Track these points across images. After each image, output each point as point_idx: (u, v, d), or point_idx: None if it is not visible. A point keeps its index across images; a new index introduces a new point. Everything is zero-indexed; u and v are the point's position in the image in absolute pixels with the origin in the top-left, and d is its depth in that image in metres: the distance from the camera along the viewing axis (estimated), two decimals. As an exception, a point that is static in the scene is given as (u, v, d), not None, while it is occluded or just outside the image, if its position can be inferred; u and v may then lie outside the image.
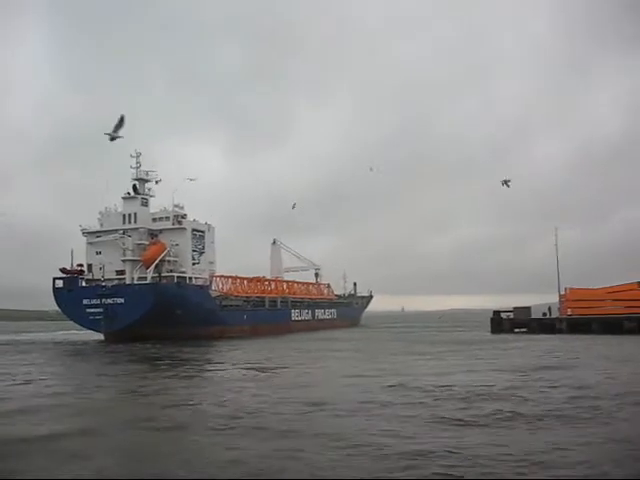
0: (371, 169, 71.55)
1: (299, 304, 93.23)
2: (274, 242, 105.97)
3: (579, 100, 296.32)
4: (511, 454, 12.32)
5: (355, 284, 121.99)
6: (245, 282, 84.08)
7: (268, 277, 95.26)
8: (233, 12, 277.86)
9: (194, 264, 69.97)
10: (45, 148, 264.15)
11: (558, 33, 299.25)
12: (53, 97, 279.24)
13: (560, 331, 62.64)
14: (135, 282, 64.83)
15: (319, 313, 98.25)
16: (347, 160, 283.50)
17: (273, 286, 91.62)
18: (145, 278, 64.37)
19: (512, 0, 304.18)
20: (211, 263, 75.59)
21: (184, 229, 69.14)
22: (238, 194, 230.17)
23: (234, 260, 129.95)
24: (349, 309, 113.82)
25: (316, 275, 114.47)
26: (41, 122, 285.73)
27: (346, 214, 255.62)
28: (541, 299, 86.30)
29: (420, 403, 18.95)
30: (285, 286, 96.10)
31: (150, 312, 59.93)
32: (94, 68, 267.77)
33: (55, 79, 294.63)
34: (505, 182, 68.63)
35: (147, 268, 65.09)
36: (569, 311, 67.47)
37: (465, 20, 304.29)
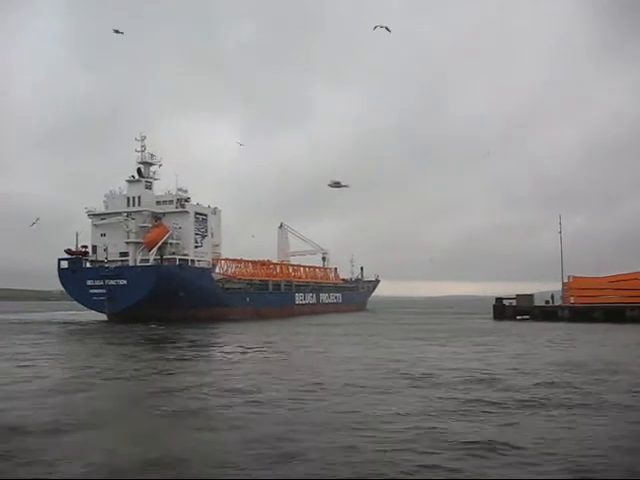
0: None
1: (303, 288, 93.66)
2: (281, 226, 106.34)
3: (595, 86, 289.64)
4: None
5: (362, 269, 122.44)
6: (250, 265, 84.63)
7: (275, 260, 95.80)
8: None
9: (196, 247, 70.59)
10: (54, 128, 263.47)
11: (578, 17, 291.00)
12: (64, 75, 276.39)
13: (562, 319, 62.57)
14: (138, 264, 65.53)
15: (324, 297, 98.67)
16: (360, 144, 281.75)
17: (278, 270, 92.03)
18: (147, 260, 65.20)
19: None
20: (216, 246, 76.28)
21: (187, 212, 69.73)
22: (250, 176, 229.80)
23: (243, 243, 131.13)
24: (355, 294, 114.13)
25: (323, 259, 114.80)
26: (51, 101, 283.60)
27: (356, 199, 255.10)
28: (545, 287, 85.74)
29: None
30: (290, 270, 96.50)
31: (152, 293, 60.77)
32: (107, 46, 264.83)
33: (67, 57, 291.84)
34: None
35: (149, 250, 65.85)
36: (572, 299, 67.39)
37: (485, 2, 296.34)
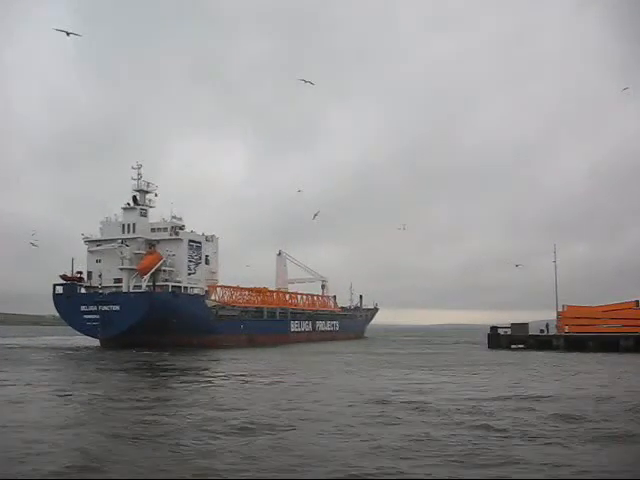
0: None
1: (299, 315, 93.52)
2: (279, 253, 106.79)
3: (612, 111, 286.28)
4: None
5: (361, 297, 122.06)
6: (246, 293, 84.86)
7: (273, 288, 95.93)
8: (262, 6, 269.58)
9: (190, 274, 71.31)
10: (55, 145, 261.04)
11: (601, 40, 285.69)
12: (66, 91, 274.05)
13: (557, 348, 62.38)
14: (131, 290, 66.12)
15: (320, 325, 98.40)
16: (364, 170, 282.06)
17: (275, 297, 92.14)
18: (140, 287, 65.84)
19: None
20: (213, 273, 77.04)
21: (180, 240, 70.69)
22: (253, 200, 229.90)
23: (243, 270, 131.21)
24: (352, 321, 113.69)
25: (323, 287, 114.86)
26: (52, 117, 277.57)
27: (357, 226, 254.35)
28: (543, 316, 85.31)
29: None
30: (287, 297, 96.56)
31: (144, 319, 61.23)
32: (110, 60, 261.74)
33: (71, 69, 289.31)
34: None
35: (143, 277, 66.53)
36: (566, 328, 67.10)
37: (504, 19, 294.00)
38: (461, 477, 10.74)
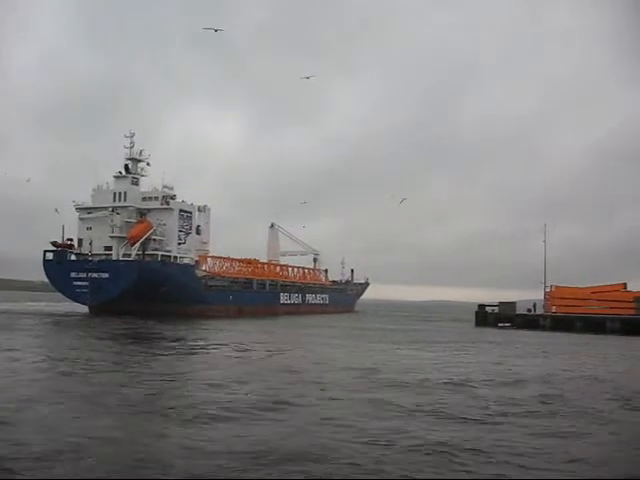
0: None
1: (289, 287, 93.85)
2: (272, 226, 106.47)
3: (613, 91, 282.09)
4: None
5: (352, 271, 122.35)
6: (237, 263, 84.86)
7: (264, 260, 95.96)
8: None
9: (180, 244, 71.45)
10: (51, 109, 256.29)
11: (608, 20, 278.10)
12: (65, 53, 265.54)
13: (544, 328, 63.01)
14: (120, 258, 66.13)
15: (310, 298, 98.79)
16: (362, 143, 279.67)
17: (265, 268, 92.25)
18: (130, 255, 65.91)
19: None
20: (204, 243, 77.02)
21: (171, 209, 70.66)
22: (249, 170, 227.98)
23: (239, 240, 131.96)
24: (342, 295, 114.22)
25: (315, 260, 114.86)
26: (48, 82, 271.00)
27: (353, 199, 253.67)
28: (533, 295, 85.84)
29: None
30: (278, 269, 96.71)
31: (133, 287, 61.38)
32: (111, 23, 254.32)
33: (70, 34, 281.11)
34: None
35: (132, 245, 66.52)
36: (554, 308, 67.83)
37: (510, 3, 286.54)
38: (458, 477, 10.84)
